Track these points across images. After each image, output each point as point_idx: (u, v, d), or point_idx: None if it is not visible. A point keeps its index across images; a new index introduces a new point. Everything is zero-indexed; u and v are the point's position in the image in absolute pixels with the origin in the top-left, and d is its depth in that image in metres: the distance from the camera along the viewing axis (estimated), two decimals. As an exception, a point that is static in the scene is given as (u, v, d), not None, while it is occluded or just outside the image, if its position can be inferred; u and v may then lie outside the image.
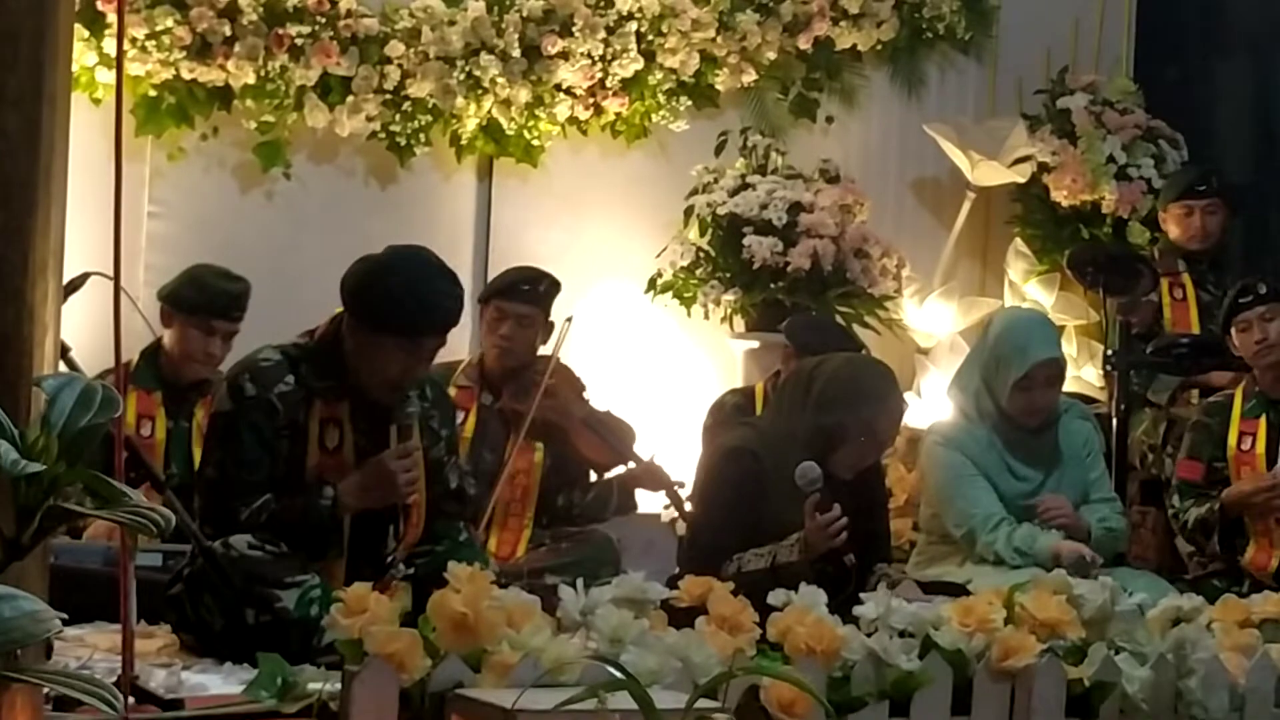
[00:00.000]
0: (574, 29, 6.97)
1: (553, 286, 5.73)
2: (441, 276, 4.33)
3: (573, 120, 7.12)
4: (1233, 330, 5.88)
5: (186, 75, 6.57)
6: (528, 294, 5.67)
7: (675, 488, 5.74)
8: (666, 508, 5.83)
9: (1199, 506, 5.73)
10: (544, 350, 5.76)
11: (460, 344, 6.98)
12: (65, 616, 1.79)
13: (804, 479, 4.52)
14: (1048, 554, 4.98)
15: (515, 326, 5.63)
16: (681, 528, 5.65)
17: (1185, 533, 5.88)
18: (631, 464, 5.80)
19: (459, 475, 4.61)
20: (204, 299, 5.40)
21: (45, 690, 2.52)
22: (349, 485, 4.27)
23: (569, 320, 5.74)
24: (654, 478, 5.79)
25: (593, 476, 5.87)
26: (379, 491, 4.28)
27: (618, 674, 2.61)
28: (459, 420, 5.62)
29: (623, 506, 5.86)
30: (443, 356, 6.10)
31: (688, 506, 5.71)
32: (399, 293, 4.21)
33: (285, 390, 4.24)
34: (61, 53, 2.33)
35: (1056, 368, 5.25)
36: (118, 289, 2.43)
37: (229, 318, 5.40)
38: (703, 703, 2.76)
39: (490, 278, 6.93)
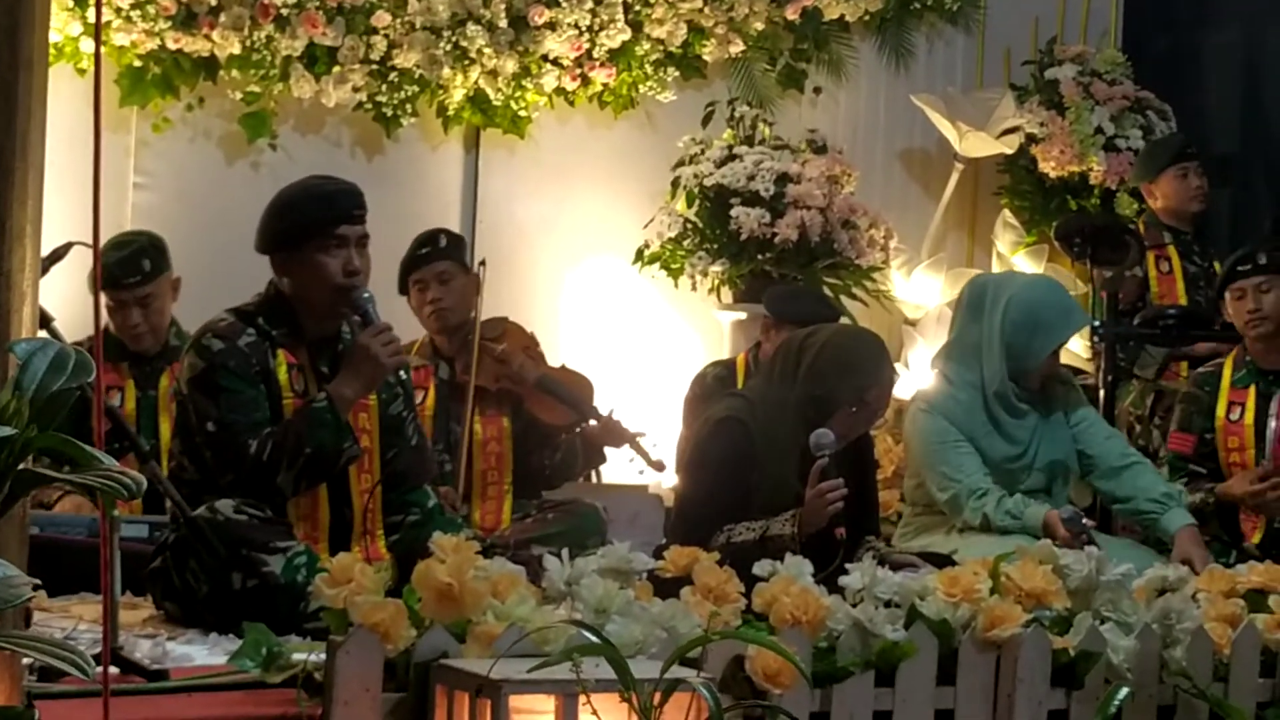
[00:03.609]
0: (560, -1, 6.96)
1: (453, 239, 5.78)
2: (328, 178, 4.53)
3: (560, 91, 7.10)
4: (1226, 296, 5.84)
5: (172, 45, 6.55)
6: (429, 254, 5.69)
7: (637, 439, 5.75)
8: (631, 461, 5.82)
9: (1192, 493, 5.65)
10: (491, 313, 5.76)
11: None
12: (39, 583, 1.78)
13: (816, 442, 4.53)
14: (1038, 521, 4.97)
15: (438, 286, 5.65)
16: (670, 499, 5.65)
17: None
18: (591, 420, 5.80)
19: (418, 432, 4.63)
20: (103, 274, 5.39)
21: (29, 661, 2.52)
22: (337, 380, 4.33)
23: (482, 263, 5.76)
24: (613, 433, 5.79)
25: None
26: (366, 369, 4.33)
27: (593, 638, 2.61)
28: (419, 399, 5.63)
29: (590, 461, 5.88)
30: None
31: (653, 454, 5.73)
32: (298, 199, 4.40)
33: (250, 340, 4.33)
34: (39, 19, 2.31)
35: None
36: (97, 259, 2.41)
37: (122, 286, 5.37)
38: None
39: (477, 249, 6.93)
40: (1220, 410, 5.77)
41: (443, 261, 5.68)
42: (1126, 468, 5.24)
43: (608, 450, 5.90)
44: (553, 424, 5.74)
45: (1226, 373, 5.81)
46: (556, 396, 5.73)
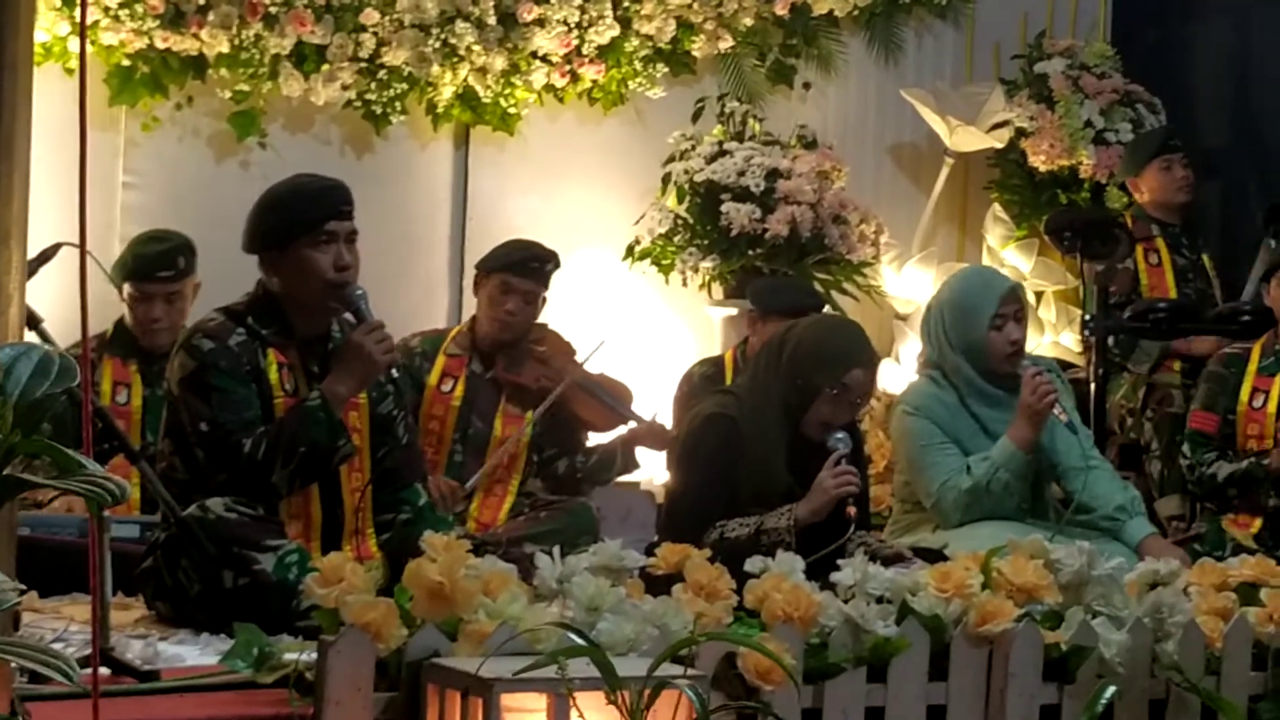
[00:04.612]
0: (549, -5, 6.94)
1: (556, 266, 5.78)
2: (314, 176, 4.52)
3: (549, 88, 7.09)
4: (1272, 281, 5.80)
5: (160, 44, 6.53)
6: (536, 271, 5.69)
7: None
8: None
9: (1230, 462, 5.60)
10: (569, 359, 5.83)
11: (438, 312, 6.99)
12: (24, 588, 1.77)
13: (831, 444, 4.59)
14: (1009, 446, 4.97)
15: (521, 302, 5.66)
16: (662, 496, 5.66)
17: (1207, 483, 5.73)
18: (632, 423, 5.82)
19: (409, 430, 4.63)
20: (132, 264, 5.40)
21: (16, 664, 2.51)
22: (330, 378, 4.32)
23: (602, 343, 5.84)
24: (658, 437, 5.82)
25: (592, 439, 5.89)
26: (358, 367, 4.31)
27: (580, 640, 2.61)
28: (449, 387, 5.63)
29: (626, 467, 5.89)
30: (424, 325, 6.18)
31: None
32: (285, 197, 4.40)
33: (240, 339, 4.32)
34: (23, 20, 2.31)
35: (1019, 300, 5.24)
36: (84, 258, 2.41)
37: (155, 279, 5.37)
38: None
39: (467, 246, 6.94)
40: (1244, 395, 5.73)
41: (537, 283, 5.69)
42: (1085, 470, 5.19)
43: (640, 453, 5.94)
44: (592, 423, 5.77)
45: (1254, 358, 5.77)
46: (598, 398, 5.76)
